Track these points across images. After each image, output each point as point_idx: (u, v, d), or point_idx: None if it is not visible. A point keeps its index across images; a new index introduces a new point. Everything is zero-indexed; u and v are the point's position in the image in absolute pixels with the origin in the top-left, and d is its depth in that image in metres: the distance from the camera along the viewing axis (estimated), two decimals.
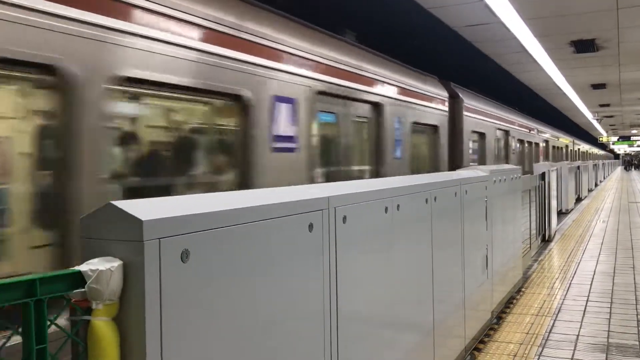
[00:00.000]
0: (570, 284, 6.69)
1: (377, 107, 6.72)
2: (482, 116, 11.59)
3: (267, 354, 1.91)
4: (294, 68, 4.97)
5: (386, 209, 2.85)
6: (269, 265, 1.93)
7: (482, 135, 11.74)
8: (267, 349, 1.91)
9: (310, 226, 2.17)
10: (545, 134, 21.35)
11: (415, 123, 7.88)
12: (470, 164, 10.39)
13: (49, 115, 2.95)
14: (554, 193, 10.72)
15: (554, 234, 10.54)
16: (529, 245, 8.04)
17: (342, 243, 2.39)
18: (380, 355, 2.77)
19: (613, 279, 6.86)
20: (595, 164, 28.03)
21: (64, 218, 2.88)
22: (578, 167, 18.90)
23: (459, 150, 10.01)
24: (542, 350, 4.47)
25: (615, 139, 49.56)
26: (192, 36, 3.80)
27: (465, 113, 10.23)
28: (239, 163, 4.34)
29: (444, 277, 3.76)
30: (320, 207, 2.26)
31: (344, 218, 2.41)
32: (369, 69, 6.55)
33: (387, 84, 6.96)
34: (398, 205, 2.98)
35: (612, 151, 75.84)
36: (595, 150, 52.62)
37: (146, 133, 3.74)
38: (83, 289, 1.39)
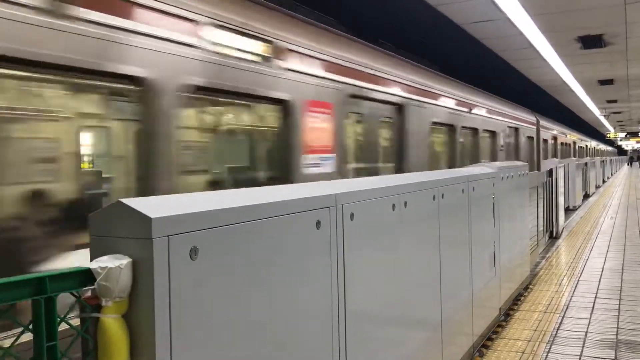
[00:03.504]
0: (578, 280, 6.66)
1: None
2: None
3: (276, 350, 1.92)
4: None
5: (393, 206, 2.85)
6: (277, 262, 1.93)
7: None
8: (276, 346, 1.92)
9: (318, 223, 2.17)
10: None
11: None
12: None
13: None
14: (561, 190, 10.67)
15: (562, 231, 10.50)
16: (536, 242, 8.01)
17: (350, 240, 2.39)
18: (388, 353, 2.77)
19: (622, 276, 6.83)
20: (603, 160, 27.84)
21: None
22: (585, 164, 18.85)
23: None
24: (550, 347, 4.45)
25: (622, 135, 49.23)
26: None
27: None
28: None
29: (452, 274, 3.75)
30: (328, 204, 2.26)
31: (352, 215, 2.41)
32: None
33: None
34: (405, 203, 2.97)
35: (619, 147, 75.33)
36: (602, 147, 52.09)
37: None
38: (93, 287, 1.40)
